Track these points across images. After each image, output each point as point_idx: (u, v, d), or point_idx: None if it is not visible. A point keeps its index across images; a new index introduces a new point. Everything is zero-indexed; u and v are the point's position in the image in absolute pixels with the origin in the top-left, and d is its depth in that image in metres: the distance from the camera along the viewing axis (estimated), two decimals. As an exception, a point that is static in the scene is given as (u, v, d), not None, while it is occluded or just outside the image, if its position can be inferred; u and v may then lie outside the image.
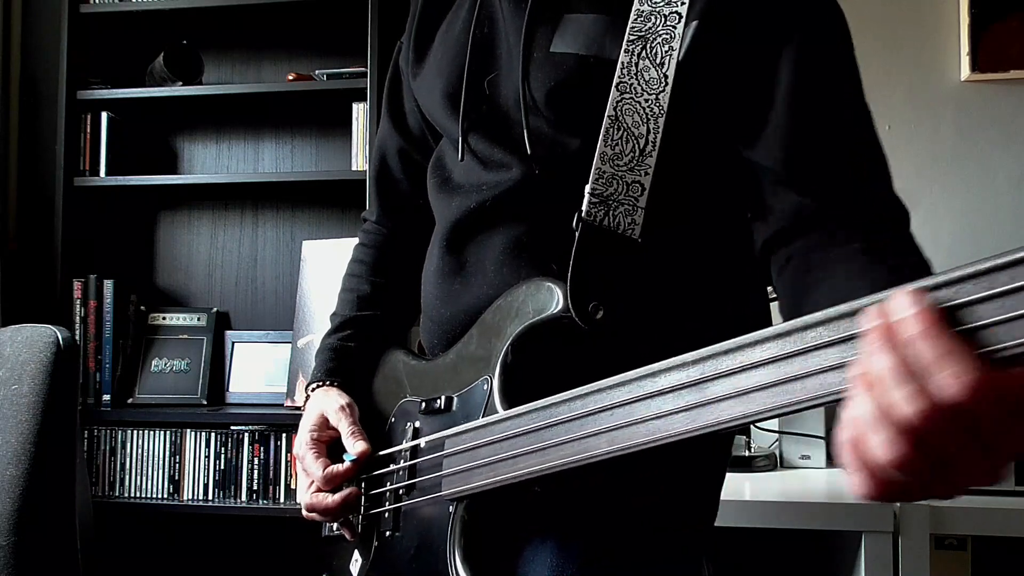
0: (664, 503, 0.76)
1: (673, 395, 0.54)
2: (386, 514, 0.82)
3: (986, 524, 1.30)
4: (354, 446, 0.84)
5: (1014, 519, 1.29)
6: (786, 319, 0.68)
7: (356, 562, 0.86)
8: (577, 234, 0.71)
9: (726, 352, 0.51)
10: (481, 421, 0.71)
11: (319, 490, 0.85)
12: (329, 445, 0.87)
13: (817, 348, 0.47)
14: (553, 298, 0.70)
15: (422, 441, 0.79)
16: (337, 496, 0.84)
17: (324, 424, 0.88)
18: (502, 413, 0.69)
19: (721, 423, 0.52)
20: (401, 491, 0.80)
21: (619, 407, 0.58)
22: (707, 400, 0.52)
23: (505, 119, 0.80)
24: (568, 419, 0.61)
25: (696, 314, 0.76)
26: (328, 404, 0.88)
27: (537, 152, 0.77)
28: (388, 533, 0.82)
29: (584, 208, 0.71)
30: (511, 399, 0.71)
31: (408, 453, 0.80)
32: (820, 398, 0.47)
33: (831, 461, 1.72)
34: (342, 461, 0.84)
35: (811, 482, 1.56)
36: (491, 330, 0.75)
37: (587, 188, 0.71)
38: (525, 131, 0.77)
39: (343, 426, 0.86)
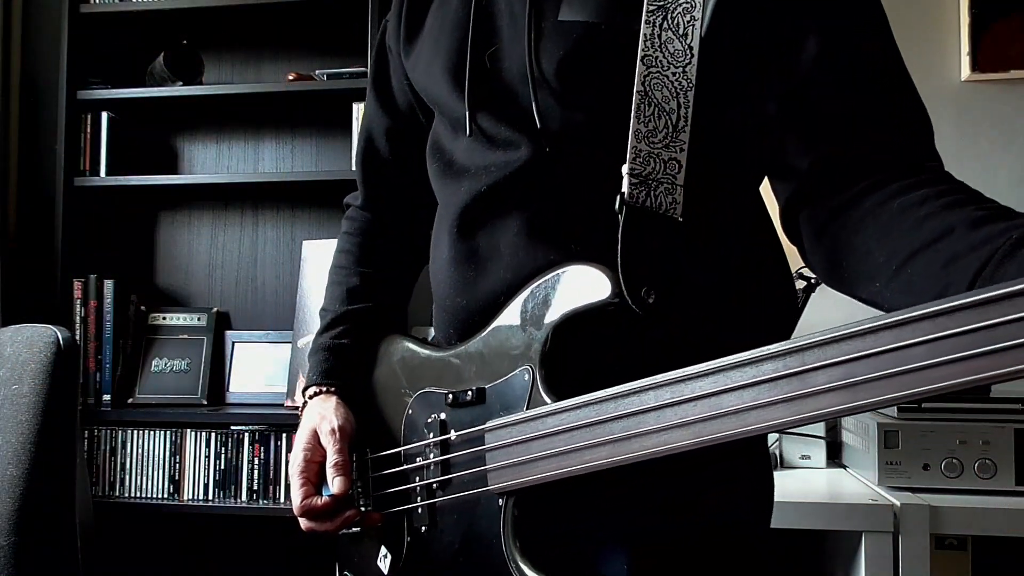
0: (732, 499, 0.75)
1: (768, 385, 0.53)
2: (419, 509, 0.81)
3: (986, 524, 1.30)
4: (333, 482, 0.83)
5: (1014, 519, 1.29)
6: (831, 275, 0.68)
7: (385, 558, 0.85)
8: (622, 217, 0.67)
9: (838, 339, 0.50)
10: (529, 413, 0.69)
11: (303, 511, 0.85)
12: (322, 465, 0.86)
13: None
14: (600, 284, 0.67)
15: (453, 434, 0.77)
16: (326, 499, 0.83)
17: (317, 442, 0.86)
18: (553, 405, 0.67)
19: (826, 412, 0.50)
20: (435, 486, 0.79)
21: (704, 398, 0.56)
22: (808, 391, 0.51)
23: (511, 94, 0.77)
24: (643, 410, 0.60)
25: (741, 294, 0.75)
26: (322, 423, 0.86)
27: (547, 128, 0.74)
28: (424, 528, 0.80)
29: (626, 189, 0.67)
30: (557, 390, 0.69)
31: (438, 447, 0.78)
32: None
33: (831, 461, 1.72)
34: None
35: (811, 482, 1.56)
36: (527, 318, 0.73)
37: (625, 168, 0.68)
38: (534, 105, 0.74)
39: (329, 453, 0.84)
